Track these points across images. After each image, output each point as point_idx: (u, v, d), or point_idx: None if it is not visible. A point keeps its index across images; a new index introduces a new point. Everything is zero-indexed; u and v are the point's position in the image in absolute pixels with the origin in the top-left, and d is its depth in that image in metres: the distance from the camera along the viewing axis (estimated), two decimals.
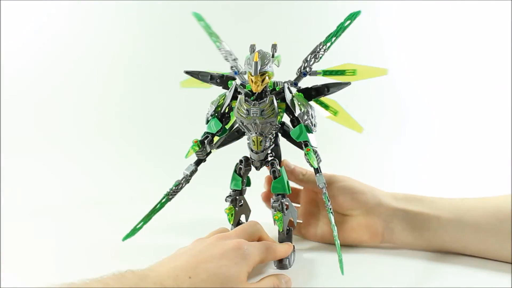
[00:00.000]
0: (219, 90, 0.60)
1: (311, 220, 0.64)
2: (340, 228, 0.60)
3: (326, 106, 0.60)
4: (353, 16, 0.56)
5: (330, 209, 0.52)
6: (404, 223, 0.59)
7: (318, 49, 0.57)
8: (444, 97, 1.23)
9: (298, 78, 0.57)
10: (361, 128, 0.60)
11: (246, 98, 0.53)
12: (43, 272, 0.56)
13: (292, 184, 0.63)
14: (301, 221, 0.65)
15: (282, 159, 0.62)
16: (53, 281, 0.39)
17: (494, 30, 1.23)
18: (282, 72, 0.56)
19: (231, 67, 0.60)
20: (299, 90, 0.57)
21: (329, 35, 0.57)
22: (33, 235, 0.69)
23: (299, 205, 0.66)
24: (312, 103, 0.58)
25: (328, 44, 0.57)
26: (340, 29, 0.57)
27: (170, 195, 0.60)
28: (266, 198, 0.66)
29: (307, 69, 0.57)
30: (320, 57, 0.57)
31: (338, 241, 0.50)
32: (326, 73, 0.58)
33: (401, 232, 0.59)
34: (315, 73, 0.57)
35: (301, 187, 0.67)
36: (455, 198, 0.60)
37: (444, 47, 1.25)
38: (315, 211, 0.65)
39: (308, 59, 0.57)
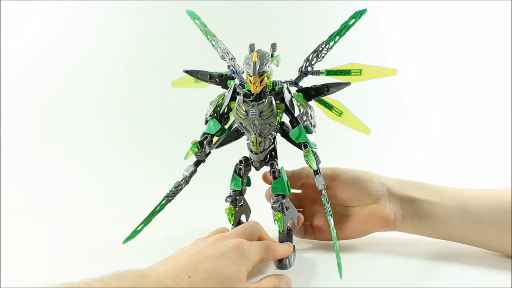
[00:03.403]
0: (218, 90, 0.60)
1: (316, 220, 0.64)
2: (353, 220, 0.61)
3: (330, 107, 0.59)
4: (358, 15, 0.55)
5: (330, 211, 0.52)
6: (412, 210, 0.59)
7: (321, 48, 0.56)
8: (444, 92, 1.24)
9: (299, 78, 0.57)
10: (368, 129, 0.59)
11: (245, 99, 0.53)
12: (43, 272, 0.56)
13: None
14: (308, 223, 0.64)
15: (280, 166, 0.62)
16: (53, 281, 0.39)
17: (494, 25, 1.24)
18: (282, 72, 0.57)
19: (228, 66, 0.60)
20: (299, 90, 0.57)
21: (332, 34, 0.56)
22: (33, 235, 0.69)
23: (301, 210, 0.66)
24: (314, 103, 0.58)
25: (331, 43, 0.56)
26: (344, 28, 0.56)
27: (169, 197, 0.60)
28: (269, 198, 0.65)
29: (309, 68, 0.57)
30: (323, 57, 0.56)
31: (337, 245, 0.50)
32: (330, 72, 0.57)
33: (410, 219, 0.59)
34: (318, 73, 0.57)
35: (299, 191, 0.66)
36: (459, 187, 0.60)
37: (443, 45, 1.25)
38: (320, 210, 0.64)
39: (310, 58, 0.56)
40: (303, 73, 0.57)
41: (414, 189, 0.60)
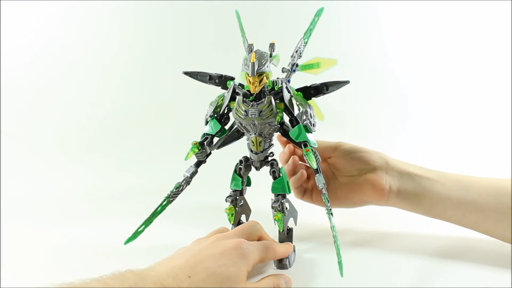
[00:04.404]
0: (218, 91, 0.60)
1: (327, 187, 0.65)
2: (348, 189, 0.63)
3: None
4: (319, 13, 0.62)
5: (330, 209, 0.52)
6: (410, 184, 0.60)
7: (299, 46, 0.60)
8: (446, 89, 1.23)
9: (288, 75, 0.59)
10: (322, 116, 0.63)
11: (244, 99, 0.53)
12: (43, 272, 0.56)
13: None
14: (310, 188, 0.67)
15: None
16: (53, 281, 0.39)
17: (494, 22, 1.23)
18: (282, 72, 0.57)
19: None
20: (298, 89, 0.57)
21: (305, 32, 0.61)
22: (33, 235, 0.69)
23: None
24: None
25: (306, 40, 0.60)
26: (311, 25, 0.61)
27: (170, 198, 0.60)
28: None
29: (295, 66, 0.59)
30: (301, 53, 0.60)
31: (338, 243, 0.50)
32: (302, 67, 0.60)
33: (406, 193, 0.60)
34: (296, 68, 0.60)
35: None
36: (459, 174, 0.61)
37: (444, 42, 1.25)
38: (328, 177, 0.65)
39: (294, 56, 0.59)
40: (292, 70, 0.59)
41: (414, 167, 0.62)
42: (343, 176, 0.64)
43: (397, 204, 0.61)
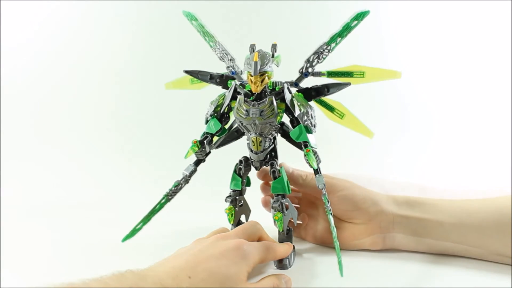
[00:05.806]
0: (218, 90, 0.60)
1: (310, 222, 0.64)
2: (341, 234, 0.59)
3: (331, 108, 0.58)
4: (360, 16, 0.53)
5: (330, 210, 0.52)
6: (406, 230, 0.58)
7: (322, 50, 0.55)
8: (446, 94, 1.23)
9: (299, 79, 0.57)
10: (370, 132, 0.58)
11: (246, 98, 0.53)
12: (43, 272, 0.56)
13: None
14: (300, 222, 0.65)
15: (280, 162, 0.62)
16: (53, 281, 0.39)
17: (494, 29, 1.23)
18: (282, 72, 0.56)
19: (227, 67, 0.59)
20: (299, 91, 0.57)
21: (333, 35, 0.55)
22: (33, 235, 0.69)
23: (298, 206, 0.66)
24: (315, 105, 0.58)
25: (333, 44, 0.55)
26: (346, 29, 0.54)
27: (169, 196, 0.60)
28: (266, 204, 0.66)
29: (309, 69, 0.56)
30: (324, 58, 0.55)
31: (338, 243, 0.50)
32: (331, 74, 0.56)
33: (402, 239, 0.58)
34: (319, 74, 0.57)
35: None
36: (456, 200, 0.59)
37: (445, 46, 1.25)
38: (314, 213, 0.64)
39: (311, 59, 0.56)
40: (304, 74, 0.56)
41: (409, 207, 0.59)
42: (341, 222, 0.61)
43: (395, 247, 0.59)
